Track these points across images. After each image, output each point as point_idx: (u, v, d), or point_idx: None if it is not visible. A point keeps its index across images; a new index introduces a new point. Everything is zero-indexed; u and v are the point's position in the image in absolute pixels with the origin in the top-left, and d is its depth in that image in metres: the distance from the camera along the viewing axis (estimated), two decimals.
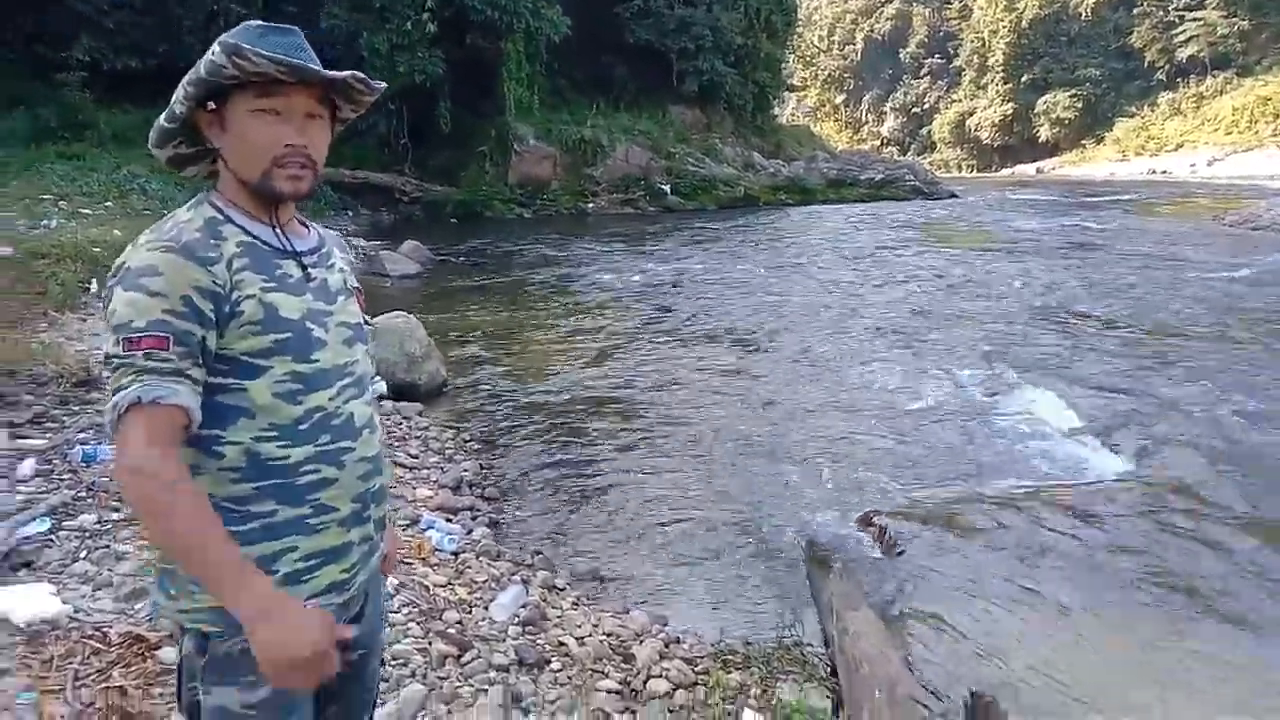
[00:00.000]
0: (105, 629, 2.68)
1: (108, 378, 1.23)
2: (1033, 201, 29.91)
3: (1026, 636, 3.54)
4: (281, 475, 1.30)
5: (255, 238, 1.33)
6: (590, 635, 3.23)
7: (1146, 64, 64.12)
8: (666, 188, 27.22)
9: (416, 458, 5.31)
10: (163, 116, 1.32)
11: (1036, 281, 12.29)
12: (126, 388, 1.19)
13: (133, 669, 2.48)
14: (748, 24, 33.26)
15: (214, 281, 1.24)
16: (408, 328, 6.98)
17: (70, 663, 2.47)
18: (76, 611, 2.78)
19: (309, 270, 1.39)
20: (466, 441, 5.94)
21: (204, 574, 1.19)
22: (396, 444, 5.55)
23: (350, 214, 21.56)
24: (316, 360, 1.34)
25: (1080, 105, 66.77)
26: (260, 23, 1.31)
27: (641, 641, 3.27)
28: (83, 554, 3.16)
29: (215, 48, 1.23)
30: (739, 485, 5.27)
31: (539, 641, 3.11)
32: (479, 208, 23.85)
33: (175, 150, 1.39)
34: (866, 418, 6.55)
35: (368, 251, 15.25)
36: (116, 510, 3.57)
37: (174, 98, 1.29)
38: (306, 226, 1.48)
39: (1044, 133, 69.37)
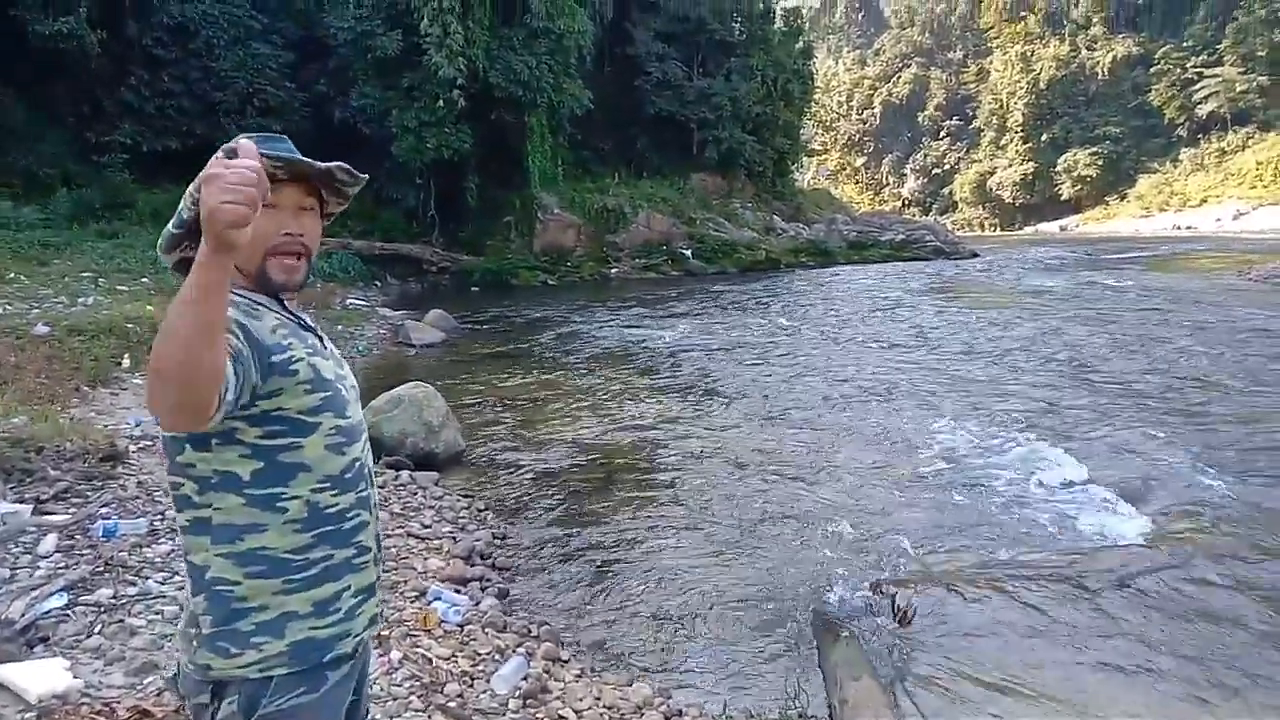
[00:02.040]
0: (114, 704, 2.74)
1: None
2: (1055, 259, 29.92)
3: (1039, 707, 3.48)
4: (334, 522, 1.45)
5: (284, 312, 1.49)
6: (591, 708, 3.24)
7: (1166, 121, 64.49)
8: (688, 252, 27.59)
9: (429, 527, 5.37)
10: (170, 224, 1.42)
11: (1056, 341, 12.26)
12: None
13: None
14: (765, 93, 34.00)
15: (256, 333, 1.35)
16: (426, 397, 7.11)
17: None
18: (88, 686, 2.85)
19: (323, 341, 1.55)
20: (481, 511, 6.00)
21: (187, 285, 1.13)
22: (411, 514, 5.62)
23: (379, 284, 22.05)
24: (350, 416, 1.50)
25: (1101, 163, 67.05)
26: (254, 134, 1.40)
27: (643, 715, 3.27)
28: (97, 629, 3.25)
29: (218, 153, 1.28)
30: (751, 552, 5.26)
31: (539, 715, 3.13)
32: (505, 276, 24.27)
33: (181, 254, 1.46)
34: (881, 482, 6.54)
35: (394, 322, 15.57)
36: (133, 585, 3.66)
37: (181, 205, 1.39)
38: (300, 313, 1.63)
39: (1066, 190, 69.60)
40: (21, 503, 4.29)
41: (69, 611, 3.35)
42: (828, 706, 3.42)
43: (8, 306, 10.23)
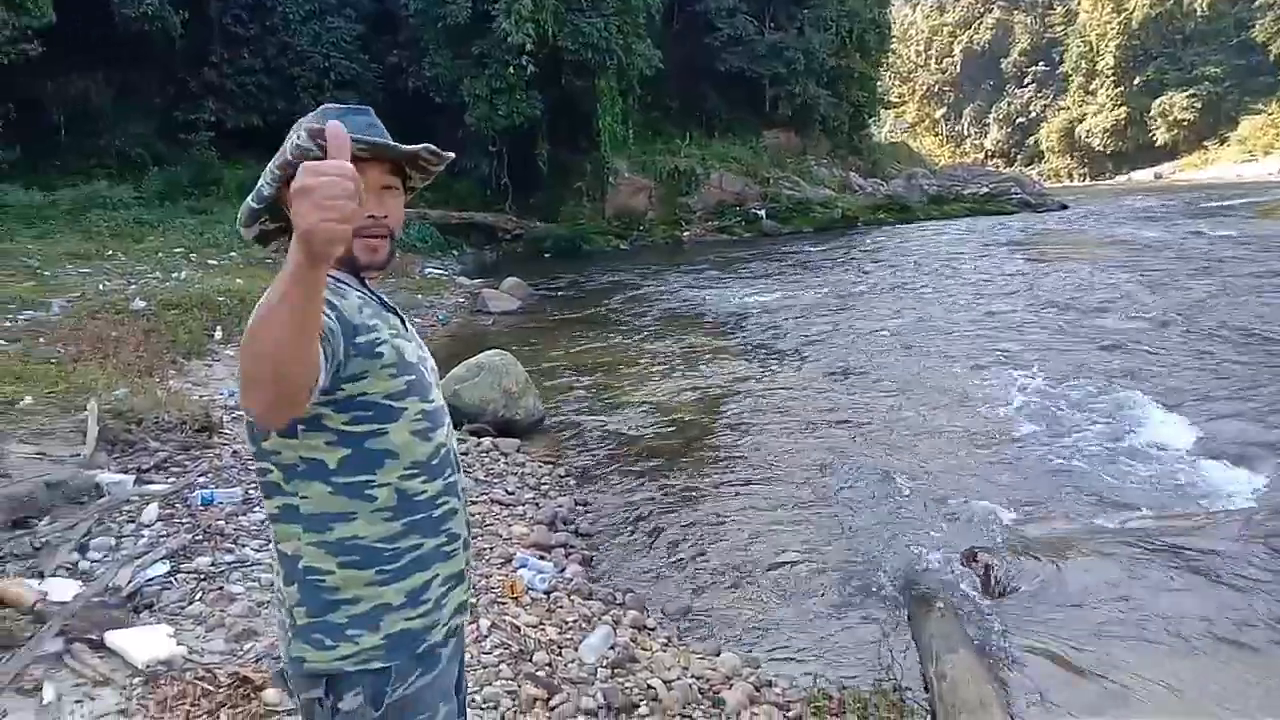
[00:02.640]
0: (215, 670, 2.82)
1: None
2: (1151, 209, 28.44)
3: (1146, 686, 3.30)
4: (423, 510, 1.42)
5: (366, 291, 1.44)
6: (679, 679, 3.19)
7: (1272, 58, 60.29)
8: (762, 213, 27.13)
9: (512, 494, 5.41)
10: (250, 197, 1.39)
11: (1155, 294, 11.64)
12: None
13: (239, 710, 2.60)
14: (840, 44, 32.97)
15: (345, 312, 1.30)
16: (505, 365, 7.15)
17: (182, 703, 2.61)
18: (190, 652, 2.94)
19: (405, 323, 1.49)
20: (562, 477, 6.02)
21: (281, 292, 1.05)
22: (495, 480, 5.67)
23: (456, 254, 22.34)
24: (433, 400, 1.46)
25: (1200, 105, 63.38)
26: (337, 106, 1.37)
27: (731, 685, 3.22)
28: (198, 596, 3.35)
29: (300, 132, 1.28)
30: (838, 520, 5.14)
31: (627, 685, 3.11)
32: (577, 242, 24.29)
33: (261, 227, 1.46)
34: (973, 446, 6.31)
35: (471, 290, 15.76)
36: (230, 553, 3.76)
37: (261, 181, 1.37)
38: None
39: (1161, 136, 66.05)
40: (125, 473, 4.46)
41: (171, 579, 3.46)
42: (923, 680, 3.31)
43: (107, 283, 10.67)
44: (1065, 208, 30.76)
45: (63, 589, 3.23)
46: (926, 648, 3.42)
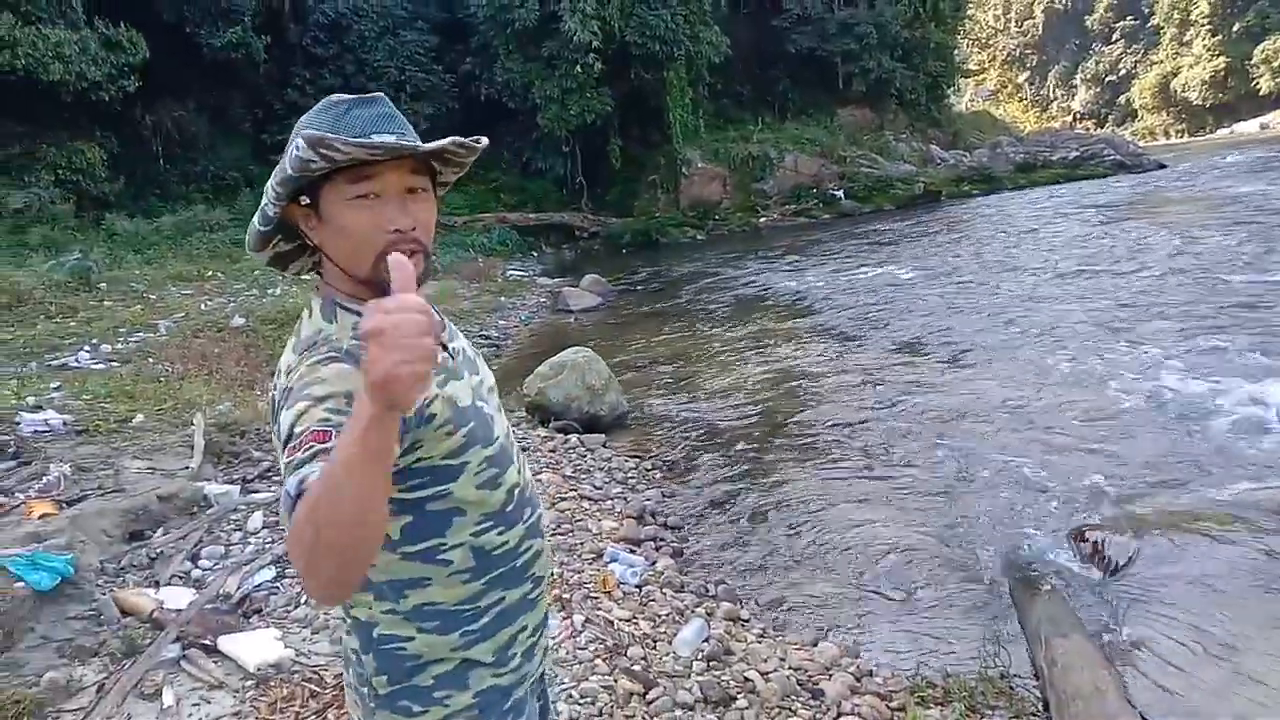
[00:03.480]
0: (321, 671, 2.90)
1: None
2: (1259, 161, 26.70)
3: (1271, 670, 3.09)
4: (505, 562, 1.28)
5: None
6: (776, 670, 3.14)
7: None
8: (840, 193, 26.61)
9: (600, 489, 5.43)
10: (255, 219, 1.23)
11: (1264, 256, 10.92)
12: (289, 477, 1.00)
13: (345, 712, 2.67)
14: (913, 15, 32.02)
15: None
16: (587, 361, 7.19)
17: (292, 704, 2.70)
18: (297, 655, 3.03)
19: (448, 348, 1.26)
20: (649, 470, 6.01)
21: (349, 464, 0.89)
22: (582, 476, 5.70)
23: (535, 254, 22.71)
24: (496, 438, 1.29)
25: None
26: (342, 97, 1.21)
27: (831, 675, 3.15)
28: (302, 599, 3.45)
29: (299, 141, 1.10)
30: (934, 502, 4.99)
31: (723, 678, 3.07)
32: (653, 235, 24.32)
33: (275, 250, 1.29)
34: (1075, 421, 6.03)
35: (551, 289, 15.95)
36: None
37: (264, 200, 1.20)
38: None
39: (1265, 84, 61.87)
40: (230, 484, 4.65)
41: (277, 584, 3.58)
42: (1033, 666, 3.17)
43: (208, 302, 11.19)
44: (1163, 166, 29.21)
45: (178, 597, 3.38)
46: (1034, 632, 3.28)
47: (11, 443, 4.79)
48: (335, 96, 1.22)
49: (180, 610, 3.26)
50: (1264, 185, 19.08)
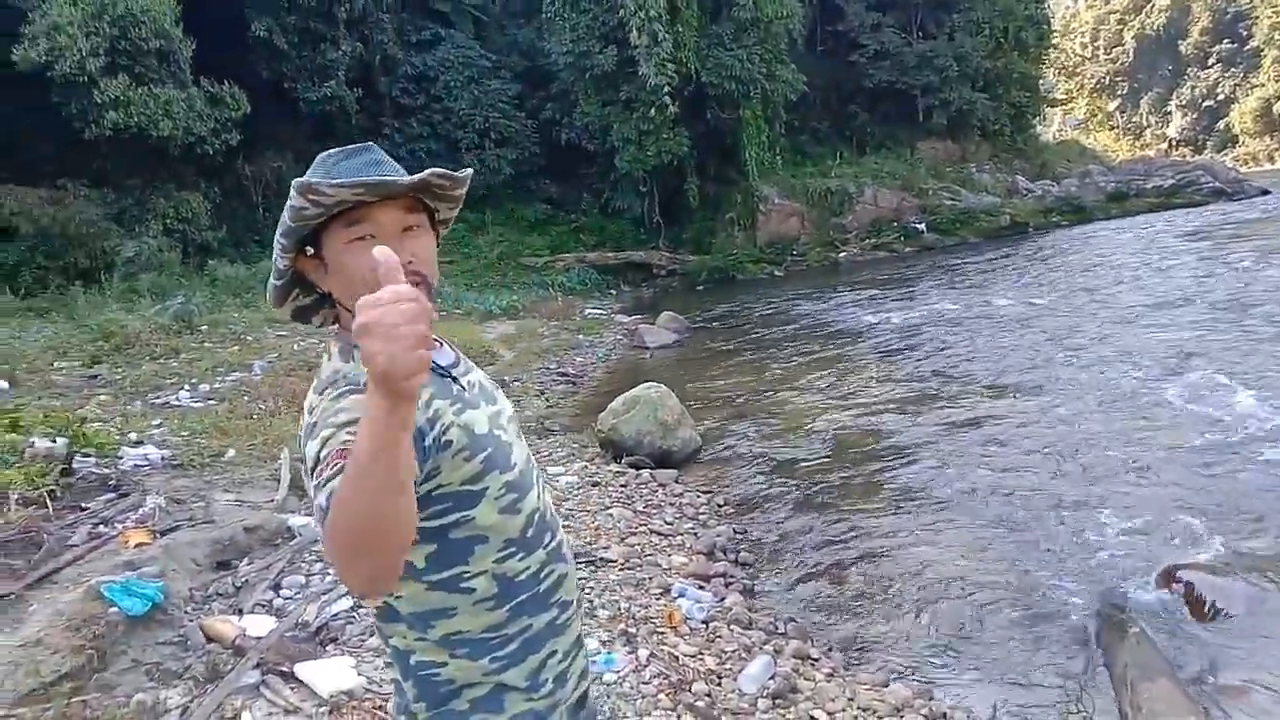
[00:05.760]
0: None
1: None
2: None
3: None
4: (528, 588, 1.30)
5: None
6: (844, 710, 3.08)
7: None
8: (921, 226, 26.17)
9: (671, 524, 5.43)
10: (272, 278, 1.29)
11: None
12: (319, 494, 1.04)
13: None
14: (995, 45, 31.48)
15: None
16: (660, 397, 7.22)
17: None
18: (370, 683, 3.12)
19: (460, 381, 1.31)
20: (720, 506, 5.98)
21: (370, 451, 0.92)
22: (653, 511, 5.71)
23: (614, 292, 22.97)
24: (514, 463, 1.32)
25: None
26: (333, 151, 1.27)
27: (902, 717, 3.07)
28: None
29: (292, 192, 1.16)
30: (1015, 541, 4.82)
31: (789, 716, 3.02)
32: (730, 272, 24.32)
33: (295, 304, 1.35)
34: (1161, 459, 5.77)
35: (629, 326, 16.09)
36: None
37: (274, 256, 1.26)
38: (438, 341, 1.33)
39: None
40: (311, 515, 4.82)
41: (353, 614, 3.69)
42: (1119, 713, 3.02)
43: (301, 343, 11.67)
44: (1267, 193, 27.86)
45: (259, 624, 3.52)
46: (1120, 676, 3.13)
47: (113, 476, 5.08)
48: (327, 152, 1.27)
49: (261, 637, 3.38)
50: None
